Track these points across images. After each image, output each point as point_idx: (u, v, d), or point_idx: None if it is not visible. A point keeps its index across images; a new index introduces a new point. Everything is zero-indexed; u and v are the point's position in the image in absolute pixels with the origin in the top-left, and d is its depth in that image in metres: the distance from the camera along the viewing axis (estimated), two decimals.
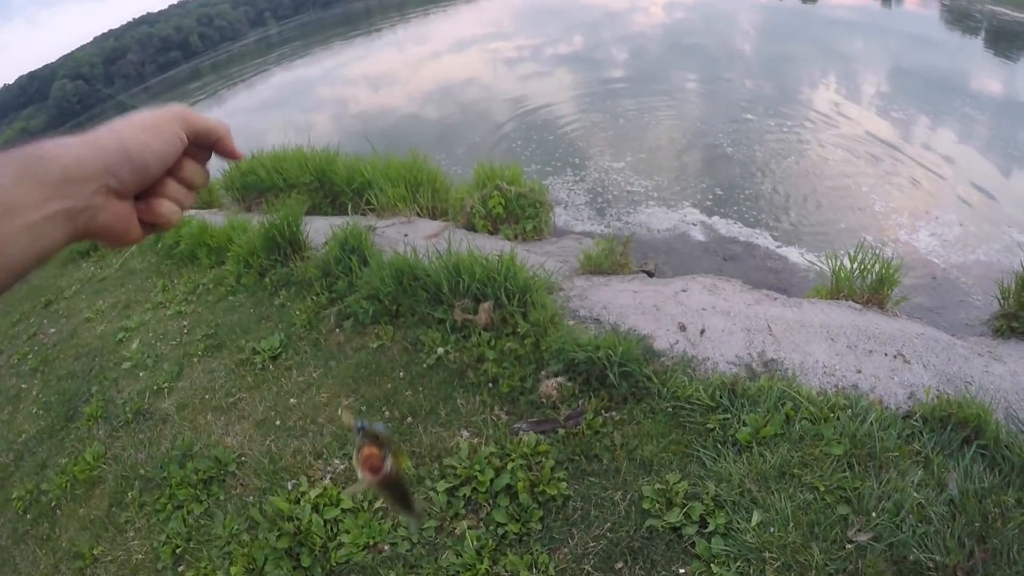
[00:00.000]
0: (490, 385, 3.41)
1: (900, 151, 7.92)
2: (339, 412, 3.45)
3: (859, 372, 3.25)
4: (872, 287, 4.15)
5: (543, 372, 3.32)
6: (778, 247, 6.02)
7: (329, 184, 7.02)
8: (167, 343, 4.93)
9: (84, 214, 0.57)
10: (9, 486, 4.16)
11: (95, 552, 3.26)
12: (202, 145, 0.70)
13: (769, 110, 9.83)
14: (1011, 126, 8.54)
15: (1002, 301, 4.16)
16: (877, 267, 4.15)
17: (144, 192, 0.65)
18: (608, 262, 4.59)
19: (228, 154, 0.72)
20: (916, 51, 12.53)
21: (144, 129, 0.62)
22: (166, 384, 4.38)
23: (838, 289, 4.26)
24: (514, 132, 11.00)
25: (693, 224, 6.57)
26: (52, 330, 6.08)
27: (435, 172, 6.61)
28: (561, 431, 3.01)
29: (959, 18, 15.60)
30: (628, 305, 3.94)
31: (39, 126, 46.37)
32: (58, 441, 4.33)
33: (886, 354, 3.39)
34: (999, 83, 10.63)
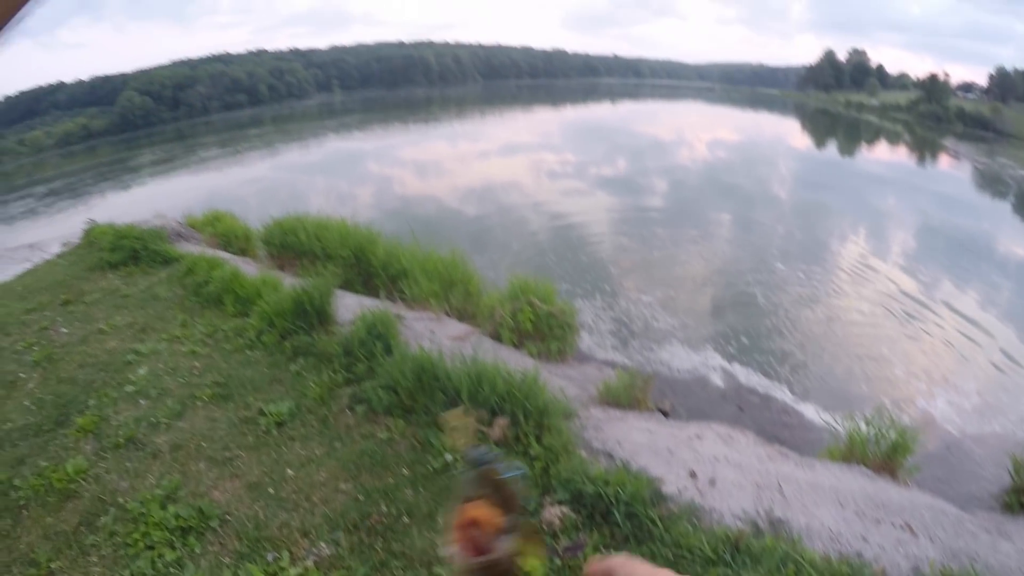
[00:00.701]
0: None
1: (923, 313, 8.06)
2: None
3: (865, 540, 3.22)
4: (886, 454, 4.16)
5: (548, 498, 3.28)
6: (795, 402, 6.03)
7: (366, 263, 7.22)
8: (175, 379, 4.88)
9: None
10: None
11: (52, 565, 3.11)
12: None
13: (800, 259, 10.08)
14: None
15: (1014, 476, 4.15)
16: (893, 434, 4.16)
17: None
18: (627, 397, 4.62)
19: None
20: (947, 210, 12.90)
21: None
22: (165, 420, 4.30)
23: (852, 453, 4.27)
24: (549, 244, 11.30)
25: (714, 369, 6.62)
26: (64, 330, 5.96)
27: (471, 275, 6.77)
28: (558, 561, 2.94)
29: (990, 181, 16.05)
30: (642, 444, 3.94)
31: (100, 127, 47.76)
32: (43, 442, 4.19)
33: (894, 524, 3.37)
34: None
